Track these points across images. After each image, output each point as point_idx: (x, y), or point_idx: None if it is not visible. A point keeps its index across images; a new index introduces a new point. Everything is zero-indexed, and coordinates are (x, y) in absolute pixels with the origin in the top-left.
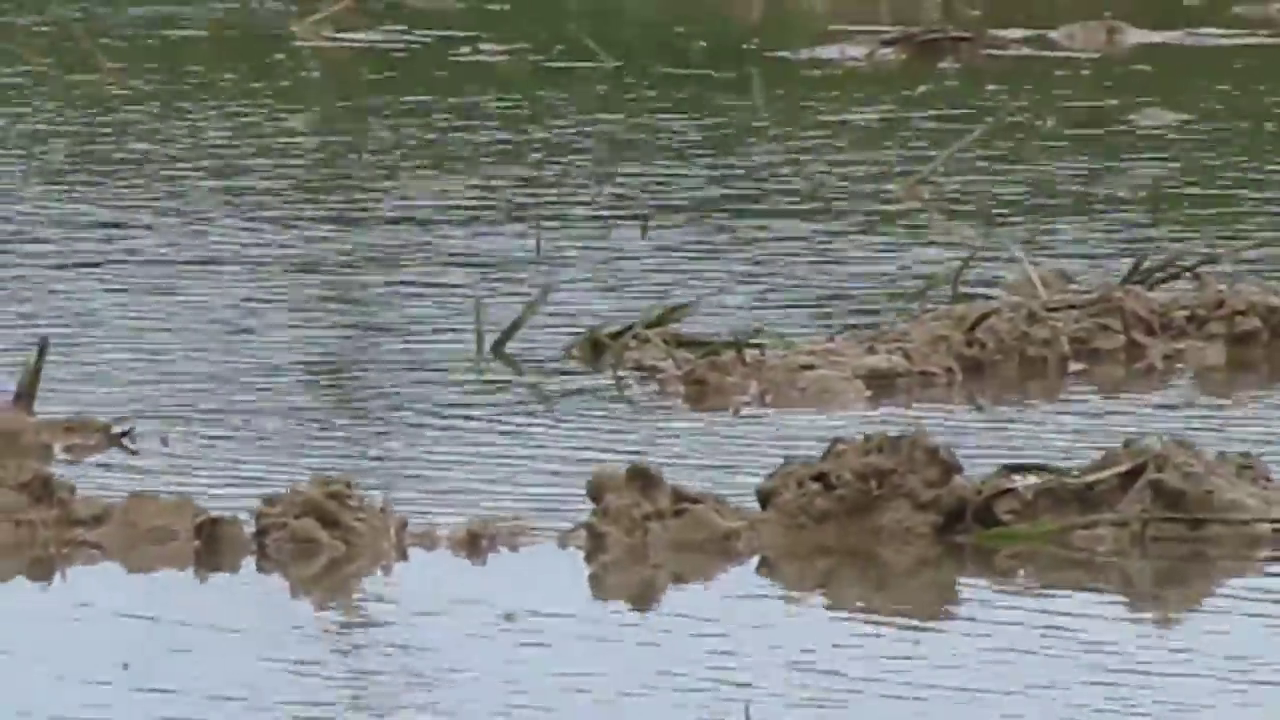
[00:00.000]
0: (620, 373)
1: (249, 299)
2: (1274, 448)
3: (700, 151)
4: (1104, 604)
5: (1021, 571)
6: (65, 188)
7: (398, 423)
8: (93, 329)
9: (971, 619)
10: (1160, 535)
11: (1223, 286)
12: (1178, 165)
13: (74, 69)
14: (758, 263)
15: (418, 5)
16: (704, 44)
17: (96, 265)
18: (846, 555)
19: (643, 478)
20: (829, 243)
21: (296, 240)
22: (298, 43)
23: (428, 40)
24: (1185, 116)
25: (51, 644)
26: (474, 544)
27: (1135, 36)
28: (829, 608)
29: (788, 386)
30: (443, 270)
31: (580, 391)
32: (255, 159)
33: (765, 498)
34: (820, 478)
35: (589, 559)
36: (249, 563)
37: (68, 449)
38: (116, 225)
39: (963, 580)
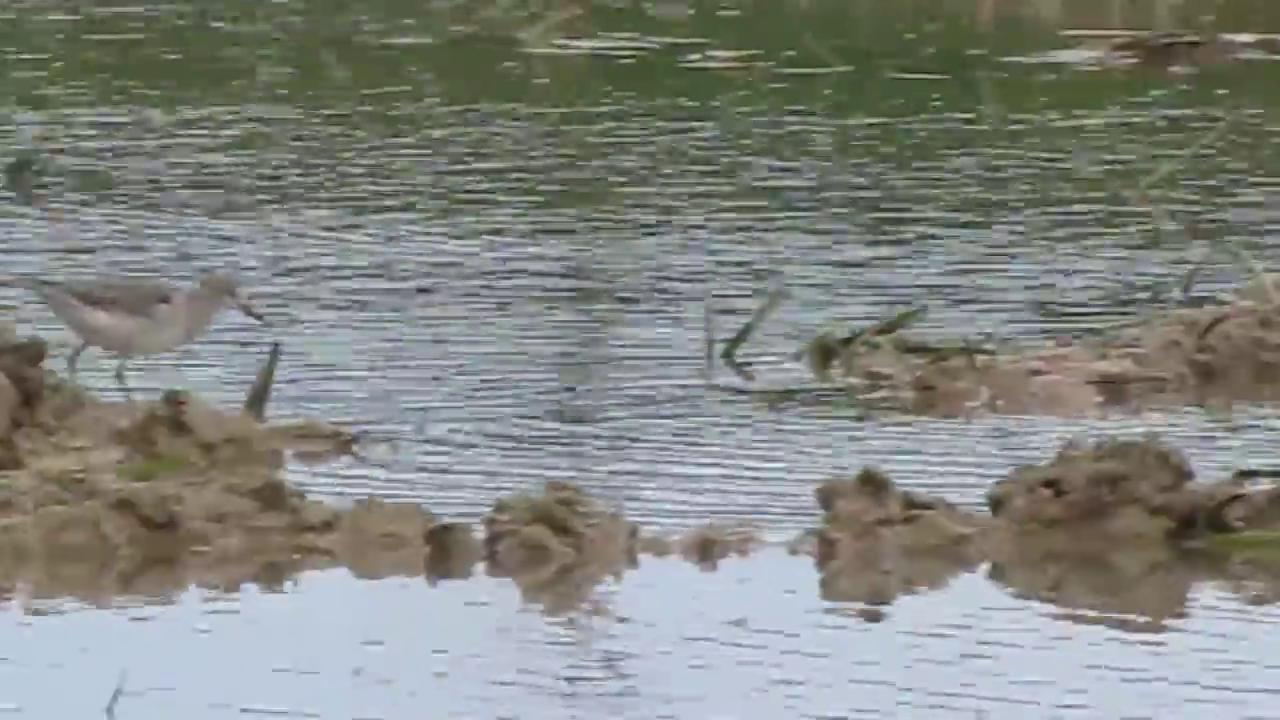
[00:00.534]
0: (850, 379)
1: (481, 308)
2: None
3: (928, 156)
4: None
5: (1255, 577)
6: (287, 198)
7: (628, 430)
8: (324, 337)
9: (1203, 624)
10: None
11: None
12: None
13: (307, 80)
14: (984, 267)
15: (649, 12)
16: (934, 49)
17: (329, 275)
18: (1077, 561)
19: (873, 484)
20: (1057, 246)
21: (529, 250)
22: (527, 50)
23: (656, 47)
24: None
25: (282, 648)
26: (705, 550)
27: None
28: (1059, 616)
29: (1018, 392)
30: (672, 279)
31: (810, 398)
32: (485, 168)
33: (996, 503)
34: (1051, 483)
35: (820, 565)
36: (479, 569)
37: (298, 455)
38: (345, 231)
39: (1195, 585)
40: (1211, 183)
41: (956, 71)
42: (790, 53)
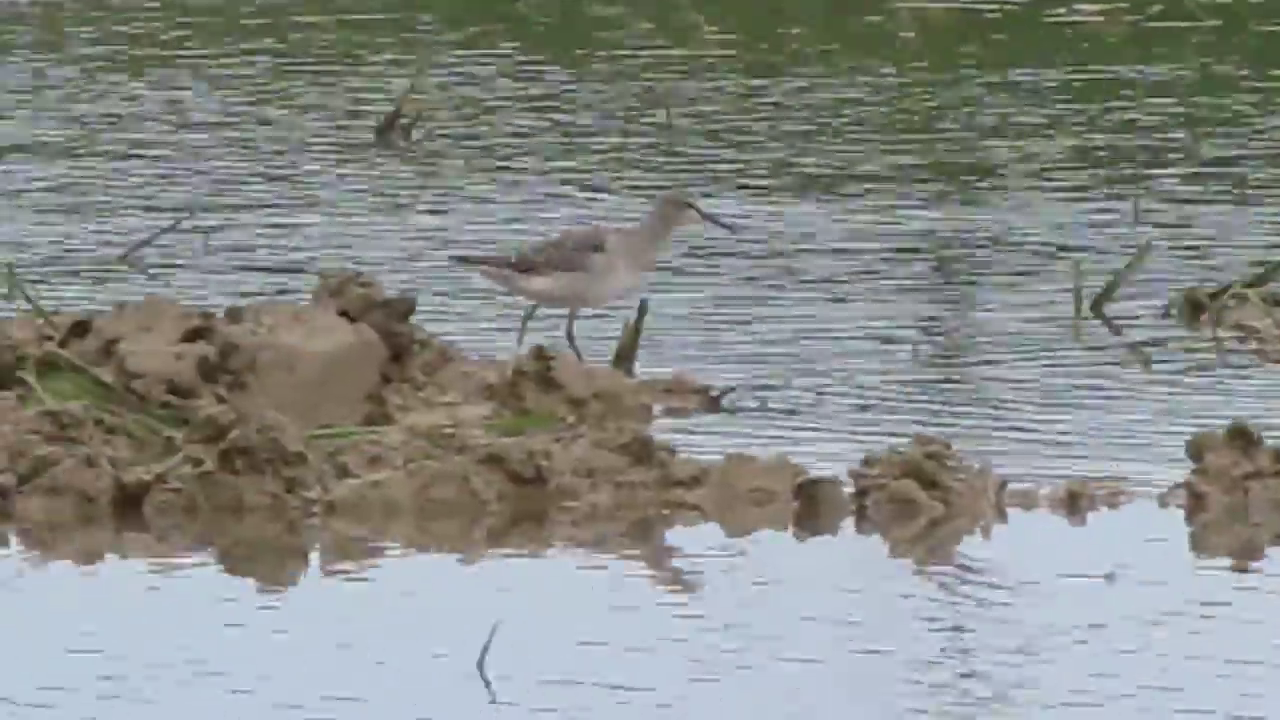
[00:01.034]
0: (1219, 332)
1: (847, 271)
2: None
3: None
4: None
5: None
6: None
7: (996, 384)
8: (686, 293)
9: None
10: None
11: None
12: None
13: (674, 33)
14: None
15: None
16: None
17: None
18: None
19: (1243, 437)
20: None
21: (900, 212)
22: (895, 3)
23: (1023, 1)
24: None
25: (648, 599)
26: (1073, 503)
27: None
28: None
29: None
30: (1041, 233)
31: (1180, 351)
32: (848, 126)
33: None
34: None
35: (1189, 518)
36: (848, 524)
37: (667, 411)
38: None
39: None
40: None
41: None
42: (1158, 6)
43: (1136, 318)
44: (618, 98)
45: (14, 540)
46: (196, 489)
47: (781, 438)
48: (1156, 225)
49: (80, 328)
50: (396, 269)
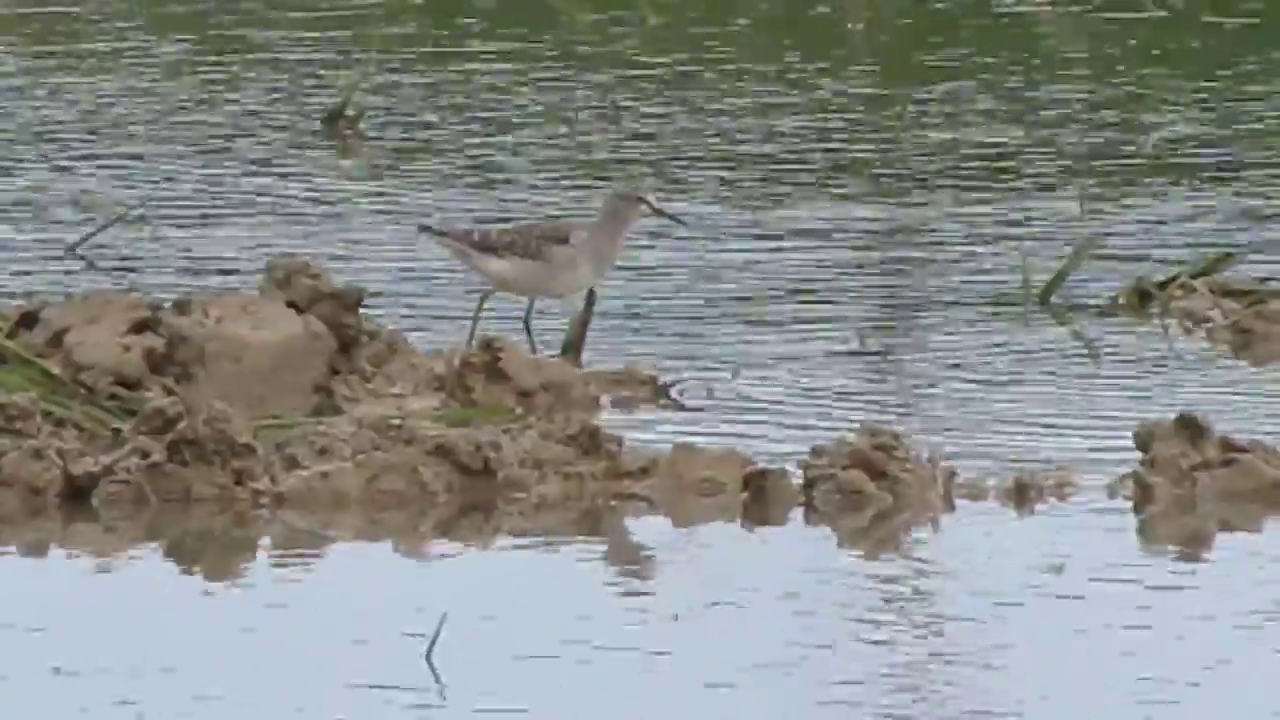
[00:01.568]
0: (1167, 321)
1: (797, 262)
2: None
3: (1241, 102)
4: None
5: None
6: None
7: (944, 374)
8: (639, 283)
9: None
10: None
11: None
12: None
13: (621, 23)
14: None
15: None
16: None
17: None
18: None
19: (1191, 427)
20: None
21: (845, 195)
22: None
23: None
24: None
25: (596, 590)
26: (1022, 494)
27: None
28: None
29: None
30: (988, 221)
31: (1127, 340)
32: (795, 117)
33: None
34: None
35: (1137, 509)
36: (797, 514)
37: (615, 401)
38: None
39: None
40: None
41: (1274, 14)
42: None
43: (1084, 307)
44: (566, 91)
45: None
46: (145, 480)
47: (730, 429)
48: (1104, 214)
49: (28, 319)
50: (343, 259)
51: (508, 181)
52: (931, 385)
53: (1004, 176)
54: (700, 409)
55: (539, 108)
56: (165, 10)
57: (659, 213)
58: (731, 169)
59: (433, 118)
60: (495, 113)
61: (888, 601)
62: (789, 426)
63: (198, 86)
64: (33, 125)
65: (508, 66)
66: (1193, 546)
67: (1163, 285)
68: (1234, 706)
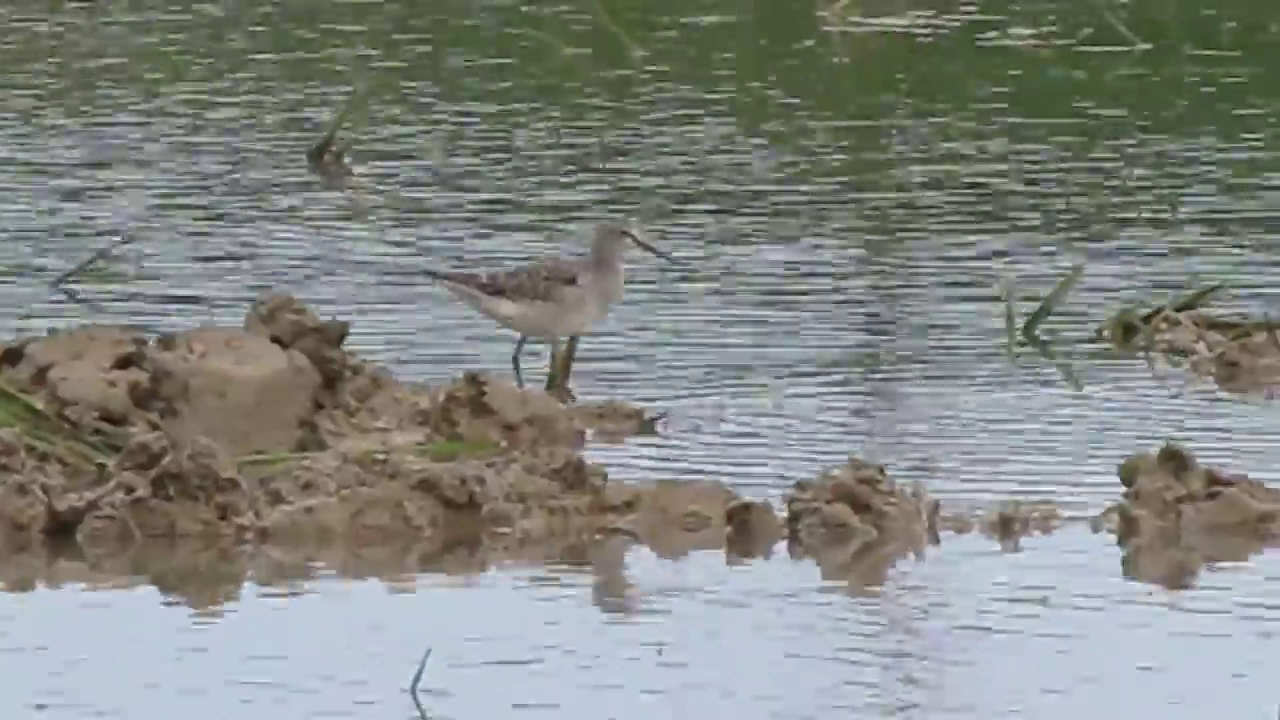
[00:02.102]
0: (1151, 355)
1: (779, 291)
2: None
3: (1225, 135)
4: None
5: None
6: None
7: (929, 407)
8: (623, 318)
9: None
10: None
11: None
12: None
13: (606, 60)
14: None
15: None
16: (1234, 24)
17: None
18: None
19: (1176, 460)
20: None
21: (829, 231)
22: (826, 28)
23: (956, 25)
24: None
25: (580, 623)
26: (1006, 527)
27: None
28: None
29: None
30: (971, 256)
31: (1111, 374)
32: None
33: None
34: None
35: (1121, 542)
36: (781, 548)
37: (599, 435)
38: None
39: None
40: None
41: (1256, 50)
42: (1088, 30)
43: (1069, 341)
44: (551, 125)
45: None
46: (129, 516)
47: (714, 463)
48: (1088, 249)
49: (12, 355)
50: (329, 295)
51: (495, 215)
52: (916, 419)
53: (989, 210)
54: (684, 443)
55: (523, 143)
56: (149, 40)
57: (643, 246)
58: (714, 204)
59: (418, 153)
60: (482, 148)
61: (872, 634)
62: (773, 461)
63: (185, 120)
64: (21, 158)
65: (494, 101)
66: (1177, 579)
67: (1147, 319)
68: None
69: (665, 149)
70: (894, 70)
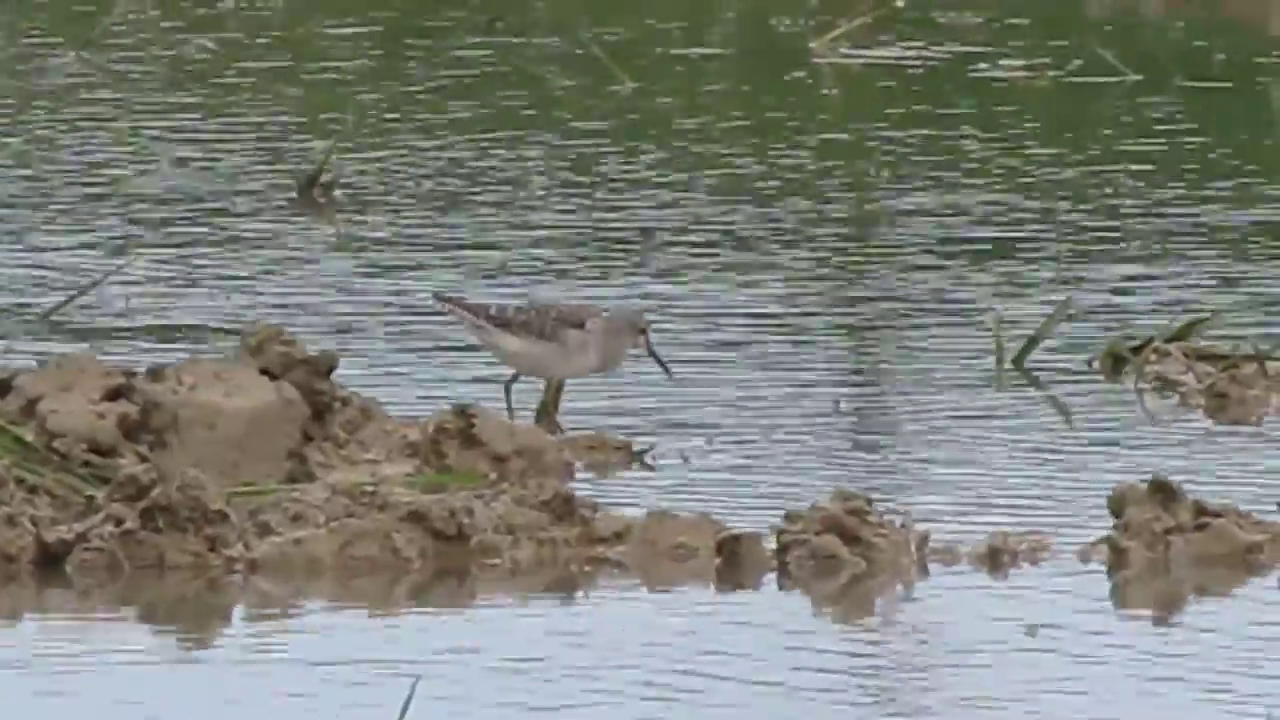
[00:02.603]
0: (1141, 386)
1: (770, 315)
2: None
3: (1214, 166)
4: None
5: None
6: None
7: (918, 438)
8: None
9: None
10: None
11: None
12: None
13: (593, 88)
14: (1274, 274)
15: (939, 20)
16: (1224, 56)
17: (604, 277)
18: None
19: (1164, 491)
20: None
21: (817, 262)
22: (816, 60)
23: (947, 56)
24: None
25: (569, 656)
26: (995, 559)
27: None
28: None
29: None
30: (959, 285)
31: (1101, 405)
32: (779, 182)
33: None
34: None
35: (1110, 573)
36: (770, 579)
37: (589, 467)
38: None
39: None
40: None
41: (1247, 80)
42: (1079, 61)
43: (1059, 371)
44: (542, 158)
45: None
46: (118, 548)
47: (703, 494)
48: (1078, 279)
49: (1, 386)
50: (317, 327)
51: (486, 248)
52: (905, 450)
53: (979, 240)
54: (674, 474)
55: (515, 174)
56: (132, 68)
57: (650, 353)
58: (705, 232)
59: (409, 185)
60: (471, 180)
61: (861, 666)
62: (762, 492)
63: (172, 150)
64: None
65: (484, 131)
66: (1166, 610)
67: (1137, 350)
68: None
69: (654, 177)
70: (883, 101)
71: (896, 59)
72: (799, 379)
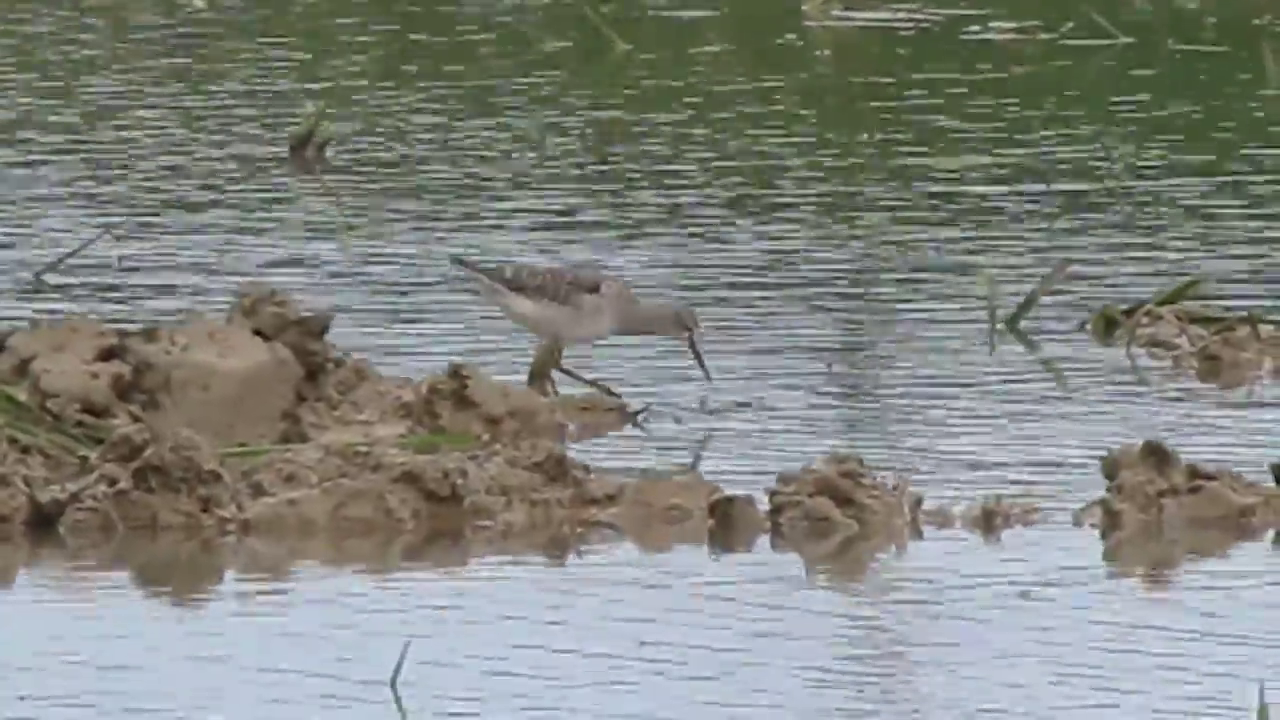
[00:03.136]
0: (1134, 349)
1: (765, 288)
2: None
3: (1206, 130)
4: None
5: None
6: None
7: (911, 401)
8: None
9: None
10: None
11: None
12: None
13: (591, 52)
14: (1266, 238)
15: None
16: (1215, 19)
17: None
18: None
19: (1157, 454)
20: None
21: (808, 224)
22: (808, 23)
23: (938, 19)
24: None
25: (562, 616)
26: (988, 521)
27: None
28: None
29: None
30: (954, 249)
31: (1094, 368)
32: (768, 156)
33: None
34: None
35: (1104, 536)
36: (763, 541)
37: (582, 428)
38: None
39: None
40: None
41: (1238, 43)
42: (1070, 24)
43: (1051, 334)
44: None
45: None
46: (111, 508)
47: (696, 456)
48: (1071, 242)
49: None
50: (311, 288)
51: (475, 212)
52: (898, 412)
53: (972, 202)
54: (667, 436)
55: (507, 134)
56: (131, 36)
57: (694, 352)
58: (698, 192)
59: (400, 146)
60: (463, 141)
61: (853, 628)
62: (755, 454)
63: (164, 112)
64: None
65: (476, 94)
66: (1159, 573)
67: (1129, 312)
68: None
69: (648, 140)
70: (875, 64)
71: (887, 21)
72: (793, 342)
